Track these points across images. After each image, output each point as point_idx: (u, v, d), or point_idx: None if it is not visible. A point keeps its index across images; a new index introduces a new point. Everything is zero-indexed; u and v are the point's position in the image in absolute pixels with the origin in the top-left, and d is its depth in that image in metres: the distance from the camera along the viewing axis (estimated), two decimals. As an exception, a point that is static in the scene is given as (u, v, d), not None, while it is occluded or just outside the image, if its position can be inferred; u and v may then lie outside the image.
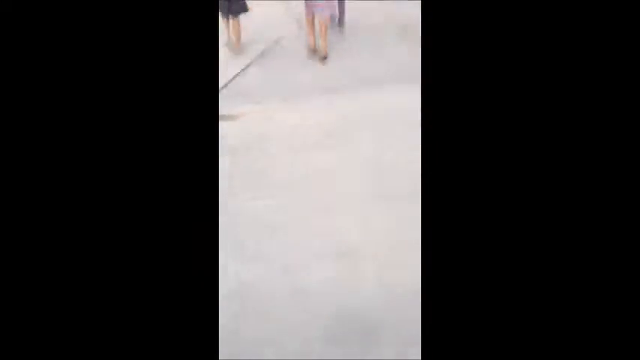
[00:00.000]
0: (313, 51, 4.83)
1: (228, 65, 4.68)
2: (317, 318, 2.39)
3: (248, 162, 3.44)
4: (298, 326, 2.36)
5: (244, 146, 3.60)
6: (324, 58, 4.76)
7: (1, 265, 0.99)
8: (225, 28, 4.82)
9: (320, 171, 3.34)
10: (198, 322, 1.04)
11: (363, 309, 2.41)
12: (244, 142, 3.64)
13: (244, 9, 4.71)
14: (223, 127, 3.35)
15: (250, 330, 2.35)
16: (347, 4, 5.16)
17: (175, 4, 1.07)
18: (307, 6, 4.64)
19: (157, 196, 1.05)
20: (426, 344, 1.04)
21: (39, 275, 1.00)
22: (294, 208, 3.05)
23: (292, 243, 2.81)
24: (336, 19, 5.07)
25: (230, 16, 4.70)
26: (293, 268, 2.64)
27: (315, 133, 3.73)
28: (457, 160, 1.05)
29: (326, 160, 3.43)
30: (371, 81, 4.30)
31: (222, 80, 4.36)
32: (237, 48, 4.90)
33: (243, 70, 4.68)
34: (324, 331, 2.32)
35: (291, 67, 4.71)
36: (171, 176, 1.06)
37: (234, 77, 4.55)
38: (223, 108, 3.65)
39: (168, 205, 1.05)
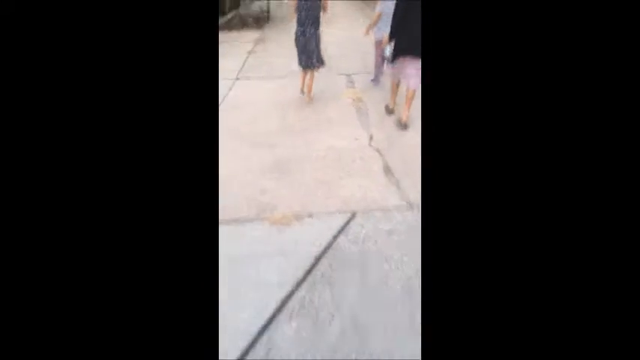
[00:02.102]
0: (390, 111, 4.47)
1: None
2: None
3: None
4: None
5: None
6: (405, 126, 4.19)
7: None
8: None
9: None
10: (198, 320, 1.01)
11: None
12: None
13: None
14: None
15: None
16: None
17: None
18: (394, 69, 4.18)
19: None
20: (426, 342, 1.02)
21: (33, 250, 0.96)
22: None
23: None
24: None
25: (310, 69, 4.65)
26: None
27: None
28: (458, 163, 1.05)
29: None
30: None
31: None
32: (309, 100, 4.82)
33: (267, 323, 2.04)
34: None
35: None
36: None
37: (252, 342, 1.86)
38: None
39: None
